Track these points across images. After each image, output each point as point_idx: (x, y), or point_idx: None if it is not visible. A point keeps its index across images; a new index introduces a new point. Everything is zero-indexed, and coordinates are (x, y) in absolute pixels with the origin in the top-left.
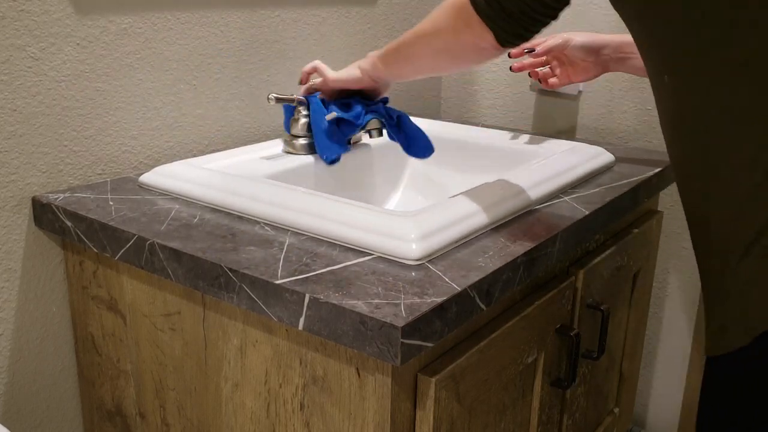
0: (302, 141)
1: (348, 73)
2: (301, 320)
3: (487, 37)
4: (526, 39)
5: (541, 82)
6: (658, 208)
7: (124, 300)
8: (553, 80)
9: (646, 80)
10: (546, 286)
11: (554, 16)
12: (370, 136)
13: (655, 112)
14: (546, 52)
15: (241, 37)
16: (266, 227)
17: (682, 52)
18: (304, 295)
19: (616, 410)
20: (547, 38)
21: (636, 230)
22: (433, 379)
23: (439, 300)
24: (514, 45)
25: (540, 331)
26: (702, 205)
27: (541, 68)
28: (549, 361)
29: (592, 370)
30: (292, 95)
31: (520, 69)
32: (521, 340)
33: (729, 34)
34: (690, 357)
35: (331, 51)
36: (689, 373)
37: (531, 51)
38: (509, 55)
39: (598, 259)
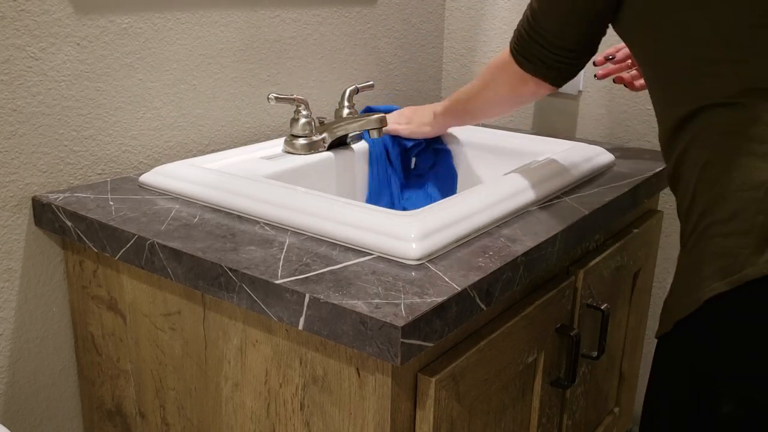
0: (302, 141)
1: (422, 132)
2: (301, 320)
3: (545, 85)
4: (576, 74)
5: (627, 86)
6: (658, 208)
7: (124, 299)
8: (639, 82)
9: None
10: (546, 285)
11: (590, 57)
12: (370, 136)
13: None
14: (627, 57)
15: (241, 37)
16: (266, 227)
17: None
18: (305, 295)
19: (616, 410)
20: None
21: (636, 230)
22: (433, 379)
23: (439, 300)
24: (568, 80)
25: (540, 331)
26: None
27: (626, 71)
28: (549, 361)
29: (592, 370)
30: (292, 95)
31: (605, 75)
32: (521, 340)
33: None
34: None
35: (331, 51)
36: None
37: (612, 58)
38: (594, 64)
39: (598, 258)
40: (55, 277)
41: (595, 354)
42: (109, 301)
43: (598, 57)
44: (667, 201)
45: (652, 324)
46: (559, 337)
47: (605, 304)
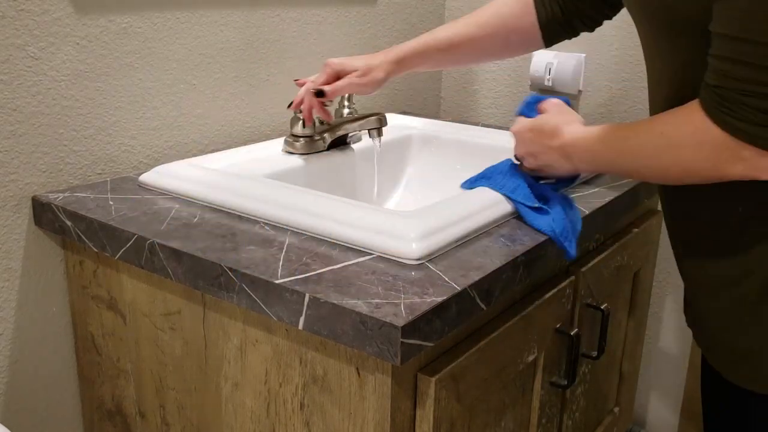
0: (302, 141)
1: (551, 174)
2: (301, 320)
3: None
4: None
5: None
6: (658, 208)
7: (124, 299)
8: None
9: (646, 80)
10: (546, 285)
11: None
12: (370, 137)
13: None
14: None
15: (240, 37)
16: (266, 227)
17: None
18: (304, 295)
19: (616, 410)
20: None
21: (636, 230)
22: (433, 379)
23: (439, 300)
24: None
25: (540, 330)
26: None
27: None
28: (549, 361)
29: (592, 370)
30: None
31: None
32: (521, 339)
33: None
34: (690, 357)
35: (331, 51)
36: (688, 373)
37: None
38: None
39: (598, 258)
40: (55, 277)
41: (594, 354)
42: (109, 300)
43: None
44: None
45: (652, 324)
46: (559, 337)
47: (605, 304)
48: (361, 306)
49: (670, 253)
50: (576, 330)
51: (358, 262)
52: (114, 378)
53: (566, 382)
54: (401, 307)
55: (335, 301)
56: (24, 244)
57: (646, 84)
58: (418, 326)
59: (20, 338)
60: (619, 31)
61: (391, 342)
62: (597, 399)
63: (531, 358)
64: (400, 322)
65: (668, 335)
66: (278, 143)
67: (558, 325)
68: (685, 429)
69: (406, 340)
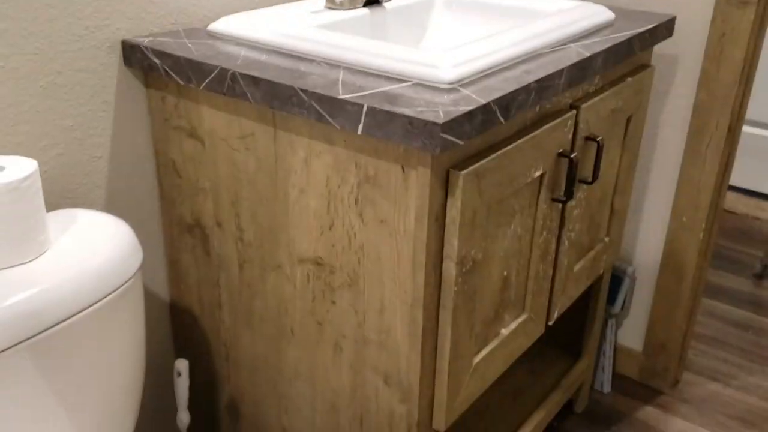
0: None
1: None
2: (360, 126)
3: None
4: None
5: None
6: (651, 63)
7: (203, 127)
8: None
9: None
10: (552, 116)
11: None
12: None
13: None
14: None
15: None
16: (323, 64)
17: None
18: (363, 105)
19: (607, 239)
20: None
21: (629, 78)
22: (461, 173)
23: (468, 108)
24: None
25: (545, 152)
26: None
27: None
28: (551, 180)
29: (587, 197)
30: None
31: None
32: (530, 156)
33: None
34: (673, 205)
35: None
36: (671, 221)
37: None
38: None
39: (597, 99)
40: (140, 112)
41: (590, 180)
42: (189, 129)
43: None
44: (656, 58)
45: (642, 164)
46: (560, 160)
47: (600, 137)
48: (408, 111)
49: (660, 109)
50: (575, 154)
51: (402, 86)
52: (193, 196)
53: (565, 198)
54: (440, 112)
55: (388, 109)
56: (116, 82)
57: None
58: (452, 126)
59: (114, 161)
60: None
61: (433, 136)
62: (590, 226)
63: (537, 173)
64: (440, 120)
65: (656, 185)
66: (319, 1)
67: (560, 150)
68: (665, 266)
69: (444, 135)
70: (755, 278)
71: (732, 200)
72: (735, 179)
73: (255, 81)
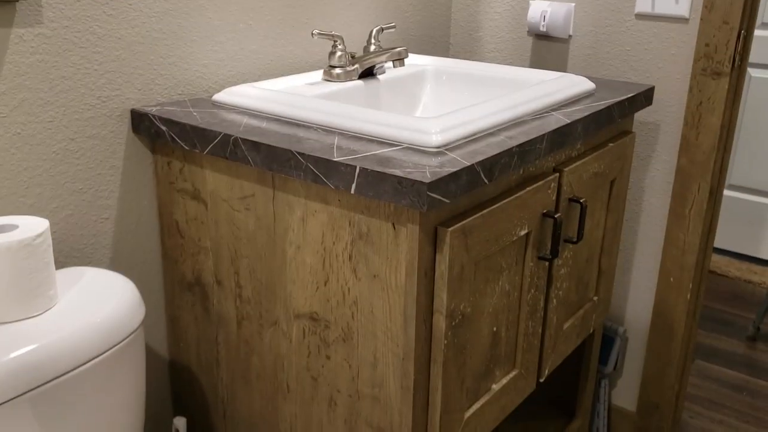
0: (338, 70)
1: None
2: (353, 186)
3: None
4: None
5: None
6: (632, 130)
7: (207, 189)
8: None
9: (631, 26)
10: (536, 178)
11: None
12: (394, 66)
13: (634, 52)
14: None
15: None
16: (319, 130)
17: None
18: (356, 167)
19: (596, 298)
20: None
21: (611, 144)
22: (449, 230)
23: (453, 170)
24: None
25: (530, 212)
26: None
27: None
28: (537, 238)
29: (574, 257)
30: (331, 32)
31: None
32: (515, 215)
33: None
34: (660, 266)
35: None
36: (659, 282)
37: None
38: None
39: (579, 162)
40: (146, 176)
41: (575, 239)
42: (193, 192)
43: None
44: (638, 125)
45: (629, 226)
46: (545, 221)
47: (584, 199)
48: (398, 172)
49: (642, 173)
50: (559, 214)
51: (392, 150)
52: (194, 255)
53: (551, 257)
54: (427, 173)
55: (379, 169)
56: (124, 148)
57: (626, 28)
58: (438, 185)
59: (121, 222)
60: None
61: (421, 195)
62: (579, 285)
63: (523, 232)
64: (427, 180)
65: (643, 246)
66: (317, 74)
67: (545, 210)
68: (656, 325)
69: (431, 194)
70: (749, 340)
71: (724, 264)
72: (727, 243)
73: (256, 146)
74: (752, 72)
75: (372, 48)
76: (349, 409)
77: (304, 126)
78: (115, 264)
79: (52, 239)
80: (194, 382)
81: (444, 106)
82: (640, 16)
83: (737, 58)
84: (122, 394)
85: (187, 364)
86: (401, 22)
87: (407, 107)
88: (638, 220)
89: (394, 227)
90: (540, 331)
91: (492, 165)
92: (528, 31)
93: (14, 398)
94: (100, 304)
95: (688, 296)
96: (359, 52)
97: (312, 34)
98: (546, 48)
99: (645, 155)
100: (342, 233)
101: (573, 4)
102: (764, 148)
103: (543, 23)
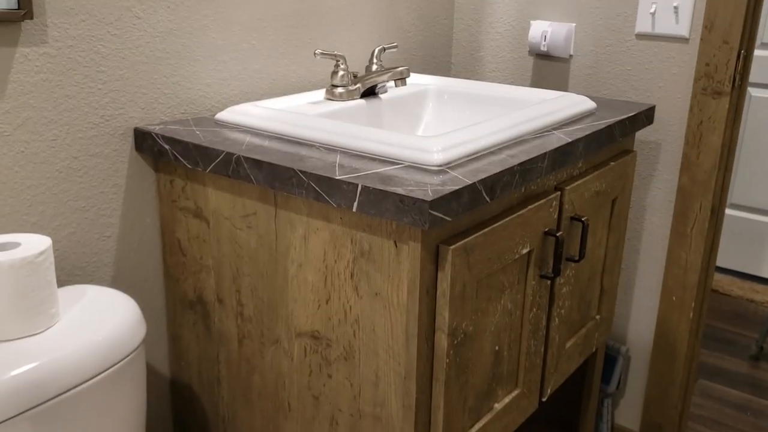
0: (340, 90)
1: None
2: (355, 204)
3: None
4: None
5: None
6: (633, 149)
7: (209, 207)
8: None
9: (631, 46)
10: (538, 197)
11: None
12: (395, 85)
13: (635, 72)
14: None
15: (289, 7)
16: (321, 149)
17: None
18: (358, 185)
19: (598, 317)
20: None
21: (612, 163)
22: (450, 248)
23: (455, 188)
24: None
25: (532, 229)
26: None
27: None
28: (539, 257)
29: (576, 275)
30: (333, 51)
31: None
32: (517, 233)
33: None
34: (662, 285)
35: (361, 17)
36: (661, 301)
37: None
38: None
39: (580, 181)
40: (149, 194)
41: (576, 258)
42: (195, 210)
43: None
44: (640, 144)
45: (631, 245)
46: (547, 239)
47: (585, 217)
48: (400, 190)
49: (643, 192)
50: (561, 233)
51: (394, 169)
52: (196, 273)
53: (553, 275)
54: (428, 191)
55: (381, 188)
56: (127, 166)
57: (627, 48)
58: (440, 204)
59: (123, 240)
60: (603, 3)
61: (422, 213)
62: (581, 304)
63: (525, 250)
64: (429, 198)
65: (645, 265)
66: (320, 93)
67: (547, 229)
68: (657, 344)
69: (432, 212)
70: (752, 360)
71: (727, 283)
72: (729, 262)
73: (258, 164)
74: (752, 91)
75: (374, 67)
76: (350, 429)
77: (306, 144)
78: (116, 282)
79: (55, 257)
80: (195, 401)
81: (446, 125)
82: (641, 36)
83: (737, 78)
84: (123, 412)
85: (188, 382)
86: (403, 42)
87: (409, 126)
88: (640, 239)
89: (396, 245)
90: (542, 350)
91: (494, 183)
92: (529, 51)
93: (15, 416)
94: (102, 322)
95: (691, 315)
96: (361, 72)
97: (314, 53)
98: (547, 68)
99: (646, 174)
100: (344, 251)
101: (574, 25)
102: (765, 167)
103: (544, 43)
